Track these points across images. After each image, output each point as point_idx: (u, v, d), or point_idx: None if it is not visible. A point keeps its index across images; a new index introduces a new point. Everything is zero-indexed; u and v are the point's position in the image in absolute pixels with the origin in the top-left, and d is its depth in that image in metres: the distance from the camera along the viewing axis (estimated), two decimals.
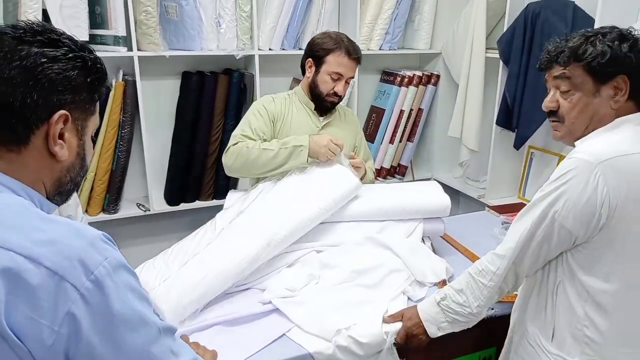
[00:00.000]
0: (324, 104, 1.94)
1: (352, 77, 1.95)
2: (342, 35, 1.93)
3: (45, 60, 0.74)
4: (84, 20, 2.17)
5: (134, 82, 2.32)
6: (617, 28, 1.14)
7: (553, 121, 1.22)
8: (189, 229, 2.74)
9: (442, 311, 1.30)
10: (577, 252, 1.13)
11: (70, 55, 0.77)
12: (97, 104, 0.85)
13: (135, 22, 2.27)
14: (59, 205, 0.85)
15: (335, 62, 1.87)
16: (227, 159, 1.83)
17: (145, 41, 2.30)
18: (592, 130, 1.15)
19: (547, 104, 1.21)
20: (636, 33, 1.13)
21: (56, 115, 0.76)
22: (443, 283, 1.57)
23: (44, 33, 0.76)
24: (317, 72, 1.92)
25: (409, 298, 1.50)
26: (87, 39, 2.19)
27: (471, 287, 1.24)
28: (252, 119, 1.90)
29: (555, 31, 2.26)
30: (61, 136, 0.77)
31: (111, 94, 2.29)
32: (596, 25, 2.04)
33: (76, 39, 0.81)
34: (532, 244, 1.15)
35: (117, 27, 2.22)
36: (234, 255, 1.41)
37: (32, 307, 0.63)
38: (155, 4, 2.26)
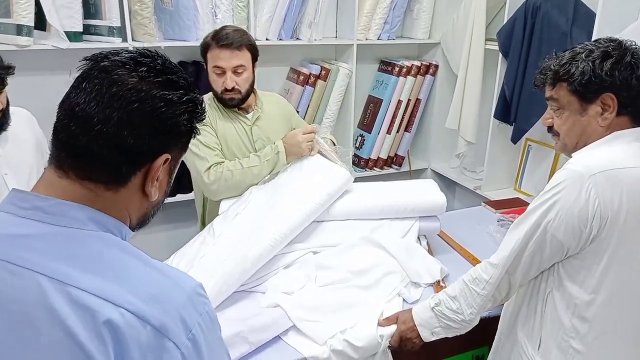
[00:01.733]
0: (226, 103, 1.85)
1: (242, 66, 1.78)
2: (224, 27, 1.81)
3: (162, 104, 0.72)
4: (77, 10, 2.14)
5: None
6: (611, 42, 1.13)
7: (552, 135, 1.25)
8: (184, 220, 2.77)
9: (435, 316, 1.31)
10: (568, 263, 1.14)
11: (184, 98, 0.75)
12: None
13: (130, 12, 2.23)
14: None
15: (211, 57, 1.78)
16: (211, 188, 1.76)
17: (140, 32, 2.26)
18: (583, 145, 1.16)
19: (543, 121, 1.25)
20: (631, 46, 1.13)
21: (161, 159, 0.74)
22: (437, 284, 1.58)
23: (165, 73, 0.74)
24: (208, 73, 1.85)
25: (404, 300, 1.52)
26: (80, 29, 2.17)
27: (465, 294, 1.26)
28: (200, 138, 1.77)
29: (555, 26, 2.24)
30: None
31: None
32: (597, 21, 2.03)
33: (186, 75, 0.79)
34: (525, 254, 1.16)
35: (111, 17, 2.19)
36: (237, 258, 1.41)
37: None
38: None
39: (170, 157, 0.76)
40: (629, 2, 2.04)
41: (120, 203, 0.74)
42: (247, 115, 1.91)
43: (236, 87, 1.79)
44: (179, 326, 0.66)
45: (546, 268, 1.18)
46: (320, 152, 1.77)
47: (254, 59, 1.85)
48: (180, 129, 0.75)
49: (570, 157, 1.19)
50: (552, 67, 1.17)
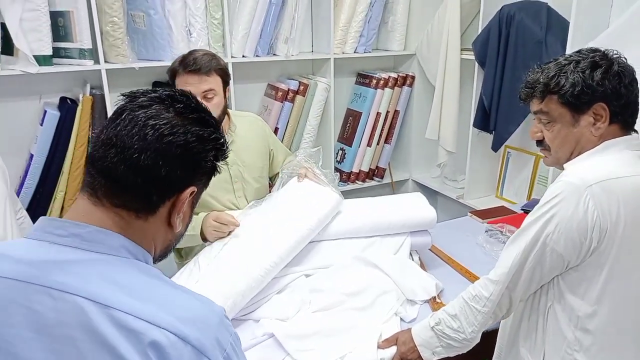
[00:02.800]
0: None
1: (212, 90, 1.69)
2: (192, 52, 1.72)
3: (194, 139, 0.76)
4: (46, 33, 2.06)
5: (103, 96, 2.22)
6: (595, 52, 1.13)
7: (542, 149, 1.23)
8: None
9: (436, 336, 1.28)
10: (568, 275, 1.13)
11: (213, 136, 0.79)
12: None
13: (102, 34, 2.16)
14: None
15: (179, 83, 1.69)
16: None
17: (113, 53, 2.20)
18: (577, 156, 1.16)
19: (532, 135, 1.23)
20: (614, 55, 1.13)
21: (188, 191, 0.78)
22: (433, 300, 1.56)
23: (198, 111, 0.79)
24: None
25: (401, 319, 1.48)
26: (50, 53, 2.08)
27: (465, 312, 1.23)
28: None
29: (530, 34, 2.27)
30: None
31: (79, 109, 2.19)
32: (571, 29, 2.06)
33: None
34: (525, 269, 1.14)
35: (82, 39, 2.12)
36: (226, 291, 1.35)
37: None
38: (122, 14, 2.16)
39: (195, 190, 0.80)
40: (600, 10, 2.09)
41: (149, 233, 0.78)
42: None
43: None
44: (215, 346, 0.70)
45: (546, 282, 1.16)
46: (307, 176, 1.73)
47: (225, 83, 1.76)
48: (207, 164, 0.80)
49: (562, 168, 1.19)
50: (540, 80, 1.15)
